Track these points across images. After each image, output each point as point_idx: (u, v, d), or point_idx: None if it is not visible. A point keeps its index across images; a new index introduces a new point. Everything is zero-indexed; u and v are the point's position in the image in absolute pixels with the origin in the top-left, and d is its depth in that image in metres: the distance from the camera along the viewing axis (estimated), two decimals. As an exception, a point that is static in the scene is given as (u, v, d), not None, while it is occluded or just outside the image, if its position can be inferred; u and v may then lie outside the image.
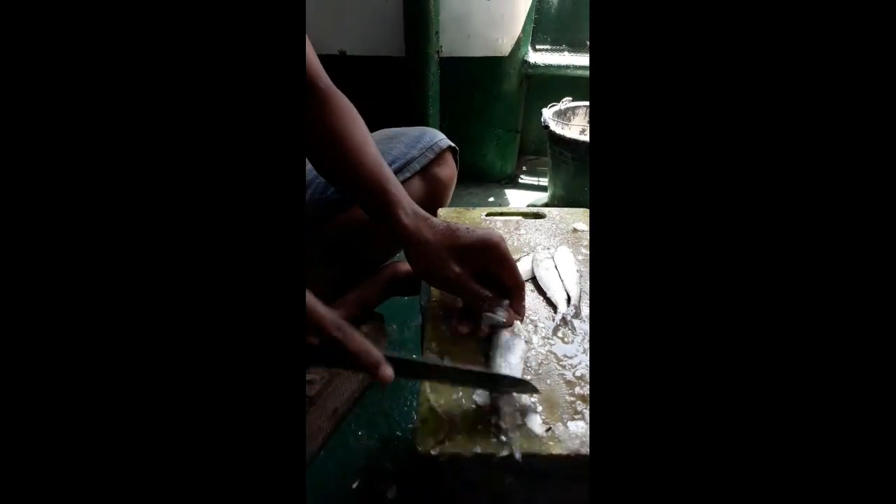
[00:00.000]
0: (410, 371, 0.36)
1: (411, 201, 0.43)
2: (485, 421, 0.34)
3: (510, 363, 0.37)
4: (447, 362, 0.38)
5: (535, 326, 0.43)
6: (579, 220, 0.60)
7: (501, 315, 0.40)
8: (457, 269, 0.40)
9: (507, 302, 0.41)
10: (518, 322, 0.42)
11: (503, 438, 0.32)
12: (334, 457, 0.61)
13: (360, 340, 0.33)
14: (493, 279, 0.41)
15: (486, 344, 0.40)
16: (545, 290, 0.47)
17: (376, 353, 0.33)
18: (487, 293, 0.41)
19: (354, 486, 0.58)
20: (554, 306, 0.45)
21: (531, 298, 0.46)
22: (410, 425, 0.66)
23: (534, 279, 0.49)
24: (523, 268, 0.47)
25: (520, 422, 0.34)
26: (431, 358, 0.39)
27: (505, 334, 0.40)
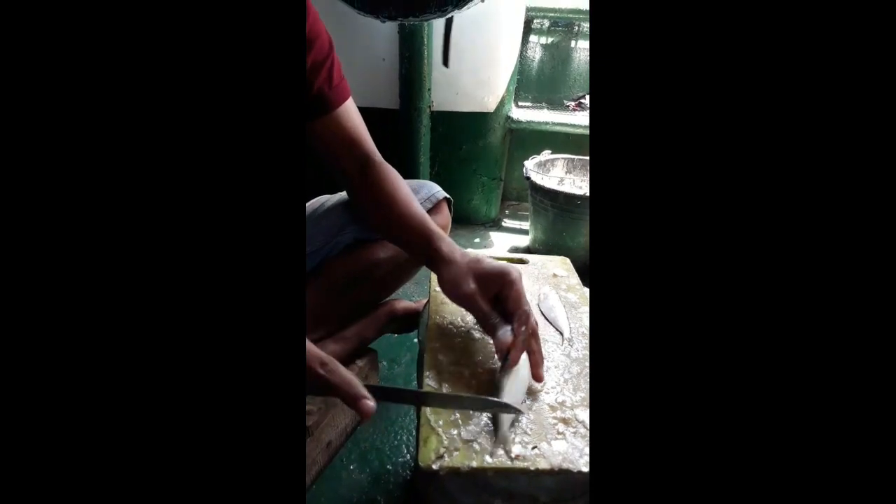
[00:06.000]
0: (397, 397, 0.40)
1: (448, 238, 0.54)
2: (480, 436, 0.38)
3: (514, 389, 0.42)
4: (445, 390, 0.42)
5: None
6: (558, 266, 0.67)
7: (506, 336, 0.45)
8: (474, 287, 0.48)
9: (509, 327, 0.47)
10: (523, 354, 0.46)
11: (499, 452, 0.37)
12: (327, 490, 0.62)
13: (342, 375, 0.36)
14: (503, 306, 0.48)
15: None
16: (552, 322, 0.55)
17: (358, 387, 0.36)
18: (495, 314, 0.48)
19: (347, 518, 0.59)
20: (560, 333, 0.53)
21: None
22: (401, 459, 0.68)
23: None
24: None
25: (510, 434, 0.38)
26: (425, 385, 0.44)
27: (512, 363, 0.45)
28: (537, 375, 0.45)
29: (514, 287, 0.47)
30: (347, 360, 0.67)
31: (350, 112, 0.62)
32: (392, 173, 0.61)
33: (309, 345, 0.36)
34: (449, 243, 0.53)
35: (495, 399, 0.40)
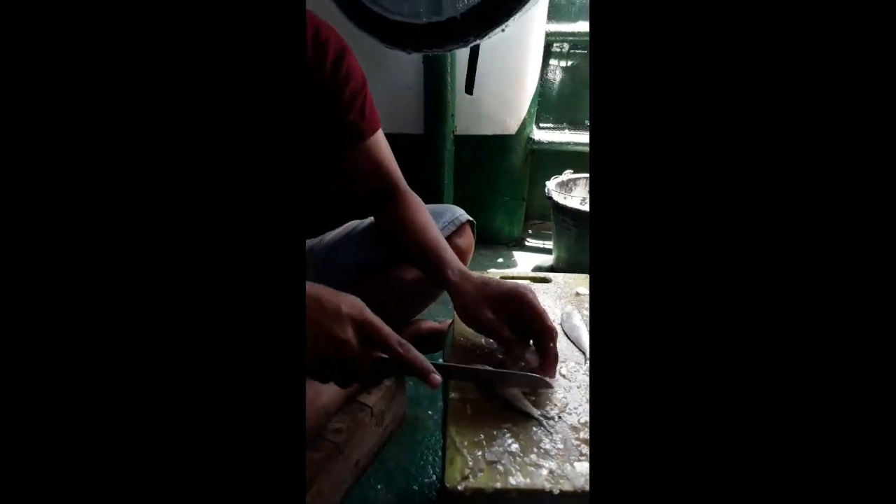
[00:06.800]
0: (454, 374, 0.47)
1: (458, 263, 0.56)
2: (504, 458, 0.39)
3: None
4: (469, 410, 0.44)
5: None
6: (581, 284, 0.68)
7: (529, 357, 0.48)
8: (490, 315, 0.50)
9: (532, 348, 0.49)
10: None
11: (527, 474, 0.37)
12: (355, 508, 0.64)
13: (416, 354, 0.42)
14: (526, 326, 0.50)
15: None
16: (575, 342, 0.55)
17: (428, 363, 0.42)
18: (513, 337, 0.49)
19: (374, 537, 0.60)
20: (583, 353, 0.53)
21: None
22: (427, 480, 0.68)
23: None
24: None
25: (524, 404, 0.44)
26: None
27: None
28: (550, 375, 0.47)
29: (531, 306, 0.49)
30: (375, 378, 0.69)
31: (379, 143, 0.65)
32: (414, 201, 0.65)
33: (386, 326, 0.42)
34: (459, 271, 0.55)
35: (532, 374, 0.46)
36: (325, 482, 0.58)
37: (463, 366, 0.48)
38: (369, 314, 0.42)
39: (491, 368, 0.47)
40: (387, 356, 0.42)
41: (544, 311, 0.49)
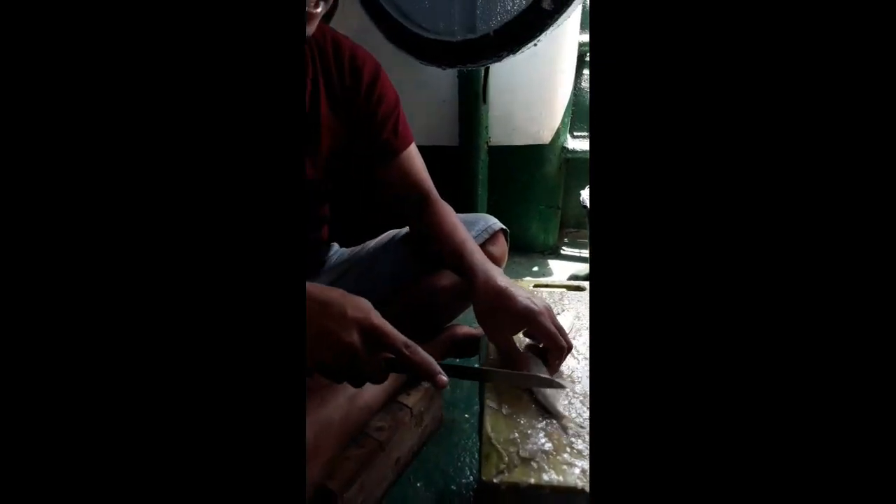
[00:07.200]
0: (463, 374, 0.49)
1: (485, 268, 0.59)
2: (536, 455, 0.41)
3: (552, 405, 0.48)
4: (505, 411, 0.46)
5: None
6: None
7: (542, 372, 0.50)
8: (504, 332, 0.53)
9: (543, 365, 0.51)
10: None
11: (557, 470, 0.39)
12: (395, 504, 0.67)
13: (422, 356, 0.43)
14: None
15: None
16: None
17: (435, 365, 0.43)
18: (524, 354, 0.53)
19: (414, 532, 0.63)
20: None
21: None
22: (464, 480, 0.71)
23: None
24: (565, 322, 0.58)
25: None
26: (487, 408, 0.48)
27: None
28: (553, 365, 0.51)
29: (541, 327, 0.51)
30: (412, 382, 0.72)
31: (412, 157, 0.70)
32: (445, 210, 0.69)
33: (392, 329, 0.43)
34: (485, 277, 0.57)
35: (544, 375, 0.48)
36: (368, 478, 0.61)
37: (474, 367, 0.51)
38: (375, 317, 0.43)
39: (501, 370, 0.50)
40: (391, 357, 0.43)
41: (555, 333, 0.50)
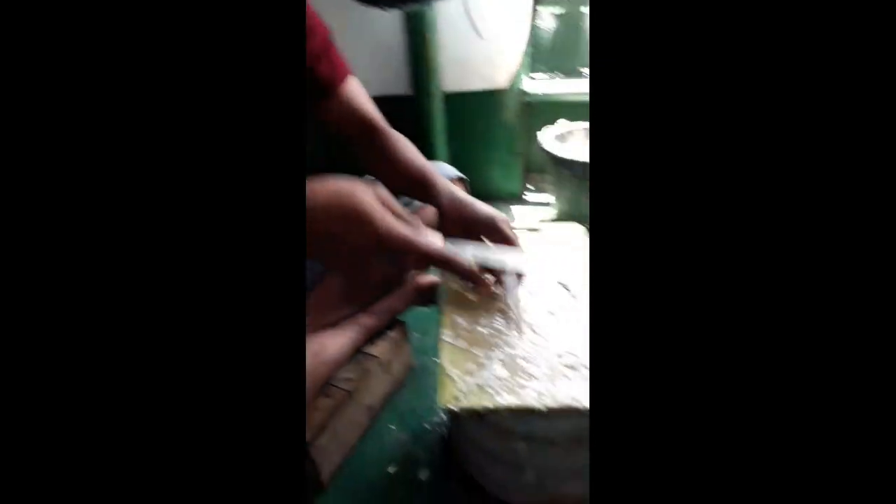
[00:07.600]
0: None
1: (448, 188, 0.62)
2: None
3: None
4: (462, 345, 0.48)
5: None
6: (571, 234, 0.70)
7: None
8: (470, 237, 0.56)
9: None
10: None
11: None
12: (371, 447, 0.69)
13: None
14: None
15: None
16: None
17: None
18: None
19: (391, 471, 0.66)
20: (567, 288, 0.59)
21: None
22: (437, 419, 0.74)
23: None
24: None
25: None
26: (443, 343, 0.50)
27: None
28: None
29: (502, 232, 0.56)
30: (379, 332, 0.73)
31: (354, 89, 0.68)
32: (397, 136, 0.69)
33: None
34: (449, 195, 0.61)
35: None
36: (340, 425, 0.63)
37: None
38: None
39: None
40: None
41: (515, 237, 0.56)
